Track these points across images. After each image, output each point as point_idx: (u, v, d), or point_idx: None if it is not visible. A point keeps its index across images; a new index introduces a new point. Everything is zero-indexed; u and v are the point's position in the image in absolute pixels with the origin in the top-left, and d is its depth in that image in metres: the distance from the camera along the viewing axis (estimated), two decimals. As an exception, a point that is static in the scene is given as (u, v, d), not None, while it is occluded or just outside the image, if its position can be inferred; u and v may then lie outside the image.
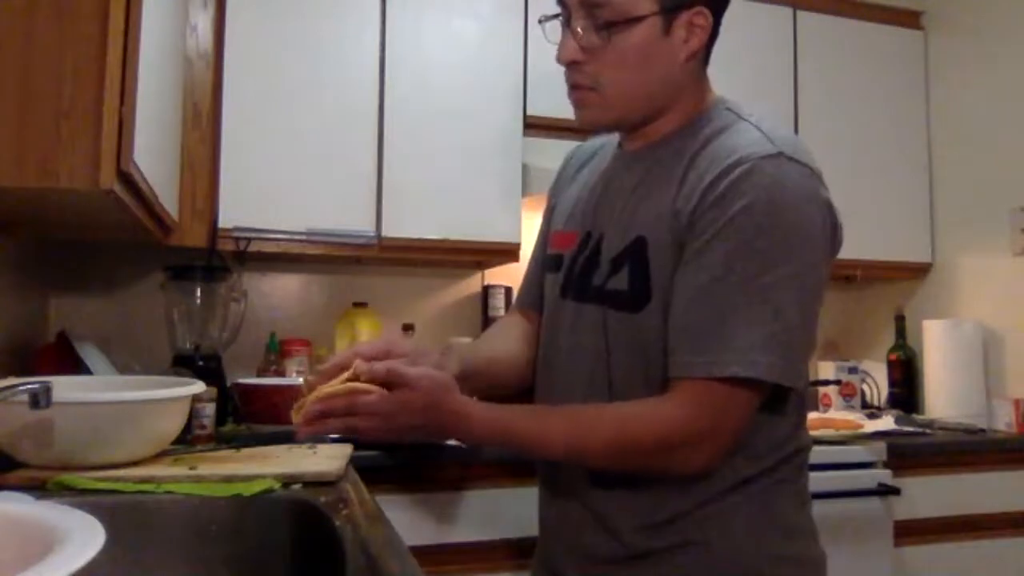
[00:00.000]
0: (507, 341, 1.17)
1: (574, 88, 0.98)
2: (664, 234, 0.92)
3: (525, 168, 2.07)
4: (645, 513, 0.95)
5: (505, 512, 1.61)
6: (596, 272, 1.00)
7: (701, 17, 0.95)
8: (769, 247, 0.86)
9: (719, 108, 1.00)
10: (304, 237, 1.91)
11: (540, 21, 1.04)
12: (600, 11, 0.93)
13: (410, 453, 1.57)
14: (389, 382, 0.89)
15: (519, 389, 1.23)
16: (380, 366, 0.89)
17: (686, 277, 0.89)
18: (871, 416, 2.15)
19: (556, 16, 1.00)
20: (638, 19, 0.92)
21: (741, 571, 0.93)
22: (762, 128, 0.93)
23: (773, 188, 0.87)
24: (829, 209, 0.93)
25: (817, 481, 1.72)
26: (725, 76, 2.38)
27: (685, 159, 0.94)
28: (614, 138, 1.11)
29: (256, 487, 1.06)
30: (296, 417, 0.91)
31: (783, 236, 0.87)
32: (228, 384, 1.76)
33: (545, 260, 1.13)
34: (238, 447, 1.29)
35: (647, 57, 0.94)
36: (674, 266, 0.91)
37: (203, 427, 1.52)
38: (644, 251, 0.94)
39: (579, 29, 0.95)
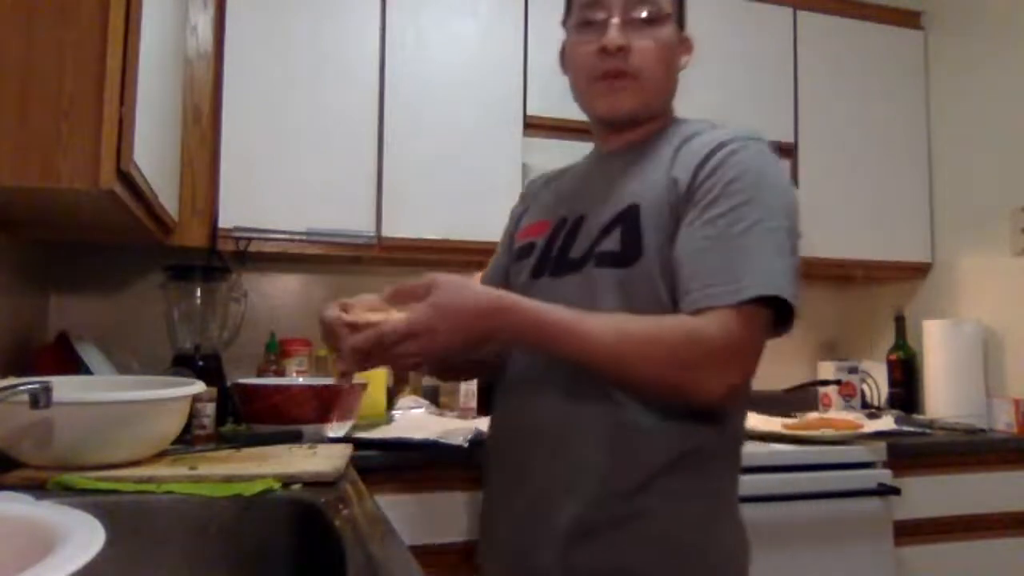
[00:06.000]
0: None
1: (615, 75, 1.07)
2: (658, 199, 1.02)
3: (525, 168, 2.07)
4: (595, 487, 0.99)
5: (505, 512, 1.61)
6: (574, 246, 1.07)
7: (688, 38, 1.14)
8: (767, 202, 0.97)
9: (689, 120, 1.14)
10: (304, 237, 1.91)
11: (564, 24, 1.15)
12: (645, 6, 1.06)
13: (410, 453, 1.57)
14: (408, 296, 0.91)
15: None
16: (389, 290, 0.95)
17: (695, 231, 0.98)
18: (871, 416, 2.15)
19: (584, 23, 1.10)
20: (668, 16, 1.08)
21: (686, 548, 0.98)
22: (736, 128, 1.07)
23: (760, 159, 1.01)
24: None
25: (817, 481, 1.75)
26: (725, 76, 2.39)
27: (673, 147, 1.06)
28: (577, 160, 1.25)
29: (256, 487, 1.06)
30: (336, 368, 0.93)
31: (776, 194, 0.99)
32: (228, 384, 1.76)
33: (515, 252, 1.21)
34: (238, 447, 1.29)
35: (672, 55, 1.10)
36: (667, 227, 1.00)
37: (203, 427, 1.53)
38: (636, 215, 1.02)
39: (625, 20, 1.06)
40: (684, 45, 1.13)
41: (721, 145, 1.01)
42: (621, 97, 1.07)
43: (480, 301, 0.91)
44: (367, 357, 0.91)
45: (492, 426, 1.17)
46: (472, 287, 0.92)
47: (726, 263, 0.94)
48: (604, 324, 0.94)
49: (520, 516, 1.05)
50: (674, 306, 0.99)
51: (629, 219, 1.02)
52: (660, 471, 0.98)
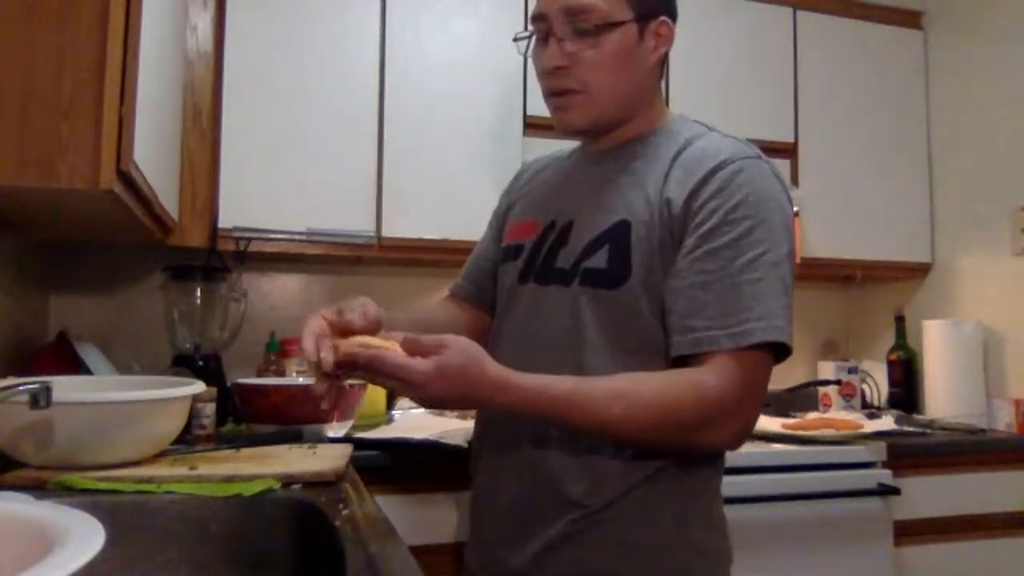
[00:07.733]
0: (434, 312, 1.25)
1: (558, 93, 1.05)
2: (650, 219, 0.99)
3: (525, 168, 2.07)
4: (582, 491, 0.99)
5: (505, 512, 1.61)
6: (561, 255, 1.05)
7: (665, 27, 1.06)
8: (768, 232, 0.95)
9: (685, 119, 1.10)
10: (304, 237, 1.91)
11: (515, 39, 1.12)
12: (583, 17, 1.01)
13: (410, 453, 1.57)
14: (420, 350, 0.88)
15: None
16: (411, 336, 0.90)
17: (696, 262, 0.95)
18: (871, 416, 2.15)
19: (529, 36, 1.08)
20: (618, 24, 1.01)
21: (658, 551, 0.99)
22: (733, 137, 1.04)
23: (761, 183, 0.98)
24: (790, 202, 1.05)
25: (817, 481, 1.75)
26: (726, 76, 2.39)
27: (668, 156, 1.02)
28: (567, 149, 1.21)
29: (256, 487, 1.06)
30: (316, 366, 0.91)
31: (776, 223, 0.97)
32: (228, 384, 1.76)
33: (503, 251, 1.19)
34: (238, 447, 1.29)
35: (627, 59, 1.03)
36: (656, 248, 0.98)
37: (203, 427, 1.52)
38: (626, 233, 1.00)
39: (563, 36, 1.02)
40: (658, 37, 1.05)
41: (726, 162, 0.97)
42: (569, 114, 1.06)
43: (483, 378, 0.88)
44: (351, 367, 0.89)
45: (477, 426, 1.18)
46: (479, 361, 0.88)
47: (727, 302, 0.92)
48: (608, 393, 0.91)
49: (499, 517, 1.07)
50: (659, 327, 0.98)
51: (618, 237, 1.00)
52: (635, 485, 0.98)
